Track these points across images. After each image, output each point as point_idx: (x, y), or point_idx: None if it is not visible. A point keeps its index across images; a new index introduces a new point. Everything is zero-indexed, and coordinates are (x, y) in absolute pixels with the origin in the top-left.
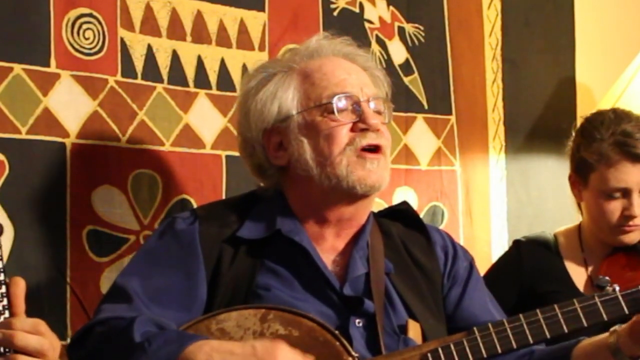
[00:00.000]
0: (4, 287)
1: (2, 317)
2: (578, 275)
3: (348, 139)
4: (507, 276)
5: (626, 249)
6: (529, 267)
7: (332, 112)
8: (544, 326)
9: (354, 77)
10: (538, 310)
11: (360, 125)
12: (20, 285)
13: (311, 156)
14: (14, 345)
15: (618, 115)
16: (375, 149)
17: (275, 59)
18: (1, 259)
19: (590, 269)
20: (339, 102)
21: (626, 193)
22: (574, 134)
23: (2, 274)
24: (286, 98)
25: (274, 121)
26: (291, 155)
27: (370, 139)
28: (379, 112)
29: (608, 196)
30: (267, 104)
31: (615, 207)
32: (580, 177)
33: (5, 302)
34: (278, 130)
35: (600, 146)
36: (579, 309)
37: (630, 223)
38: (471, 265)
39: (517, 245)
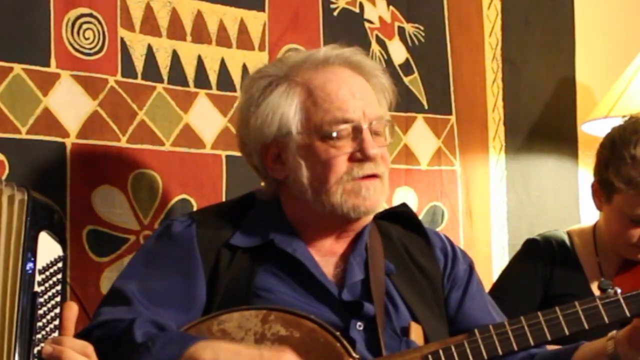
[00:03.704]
0: (58, 308)
1: (52, 335)
2: (593, 279)
3: (346, 168)
4: (530, 279)
5: None
6: (549, 270)
7: (332, 139)
8: (545, 328)
9: (357, 98)
10: (539, 312)
11: (358, 155)
12: (73, 310)
13: (308, 180)
14: None
15: None
16: (372, 176)
17: (279, 62)
18: (60, 283)
19: (604, 275)
20: (340, 131)
21: None
22: (602, 140)
23: (59, 297)
24: (288, 114)
25: (274, 136)
26: (288, 171)
27: (367, 170)
28: (379, 134)
29: (631, 221)
30: (268, 118)
31: (636, 232)
32: (604, 192)
33: (57, 322)
34: (277, 144)
35: (629, 172)
36: (580, 311)
37: None
38: (471, 268)
39: (533, 245)
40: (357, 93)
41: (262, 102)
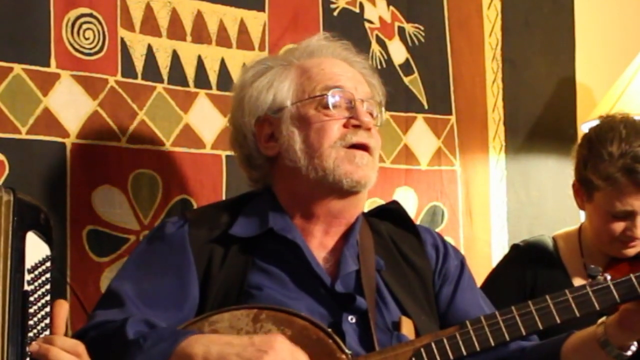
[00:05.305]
0: (48, 307)
1: (44, 334)
2: (579, 282)
3: (339, 134)
4: (511, 285)
5: (629, 258)
6: (531, 275)
7: (326, 106)
8: (537, 317)
9: (350, 76)
10: (530, 302)
11: (353, 121)
12: (64, 307)
13: (300, 147)
14: (47, 359)
15: (629, 132)
16: (364, 147)
17: (274, 55)
18: (49, 282)
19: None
20: (333, 97)
21: (630, 214)
22: (580, 140)
23: (49, 295)
24: (282, 88)
25: (268, 110)
26: (281, 145)
27: (360, 137)
28: (371, 114)
29: (612, 216)
30: (263, 92)
31: (618, 227)
32: (584, 190)
33: (47, 321)
34: (270, 121)
35: (607, 169)
36: (570, 299)
37: (632, 244)
38: (462, 264)
39: (516, 250)
40: (349, 73)
41: (257, 79)
